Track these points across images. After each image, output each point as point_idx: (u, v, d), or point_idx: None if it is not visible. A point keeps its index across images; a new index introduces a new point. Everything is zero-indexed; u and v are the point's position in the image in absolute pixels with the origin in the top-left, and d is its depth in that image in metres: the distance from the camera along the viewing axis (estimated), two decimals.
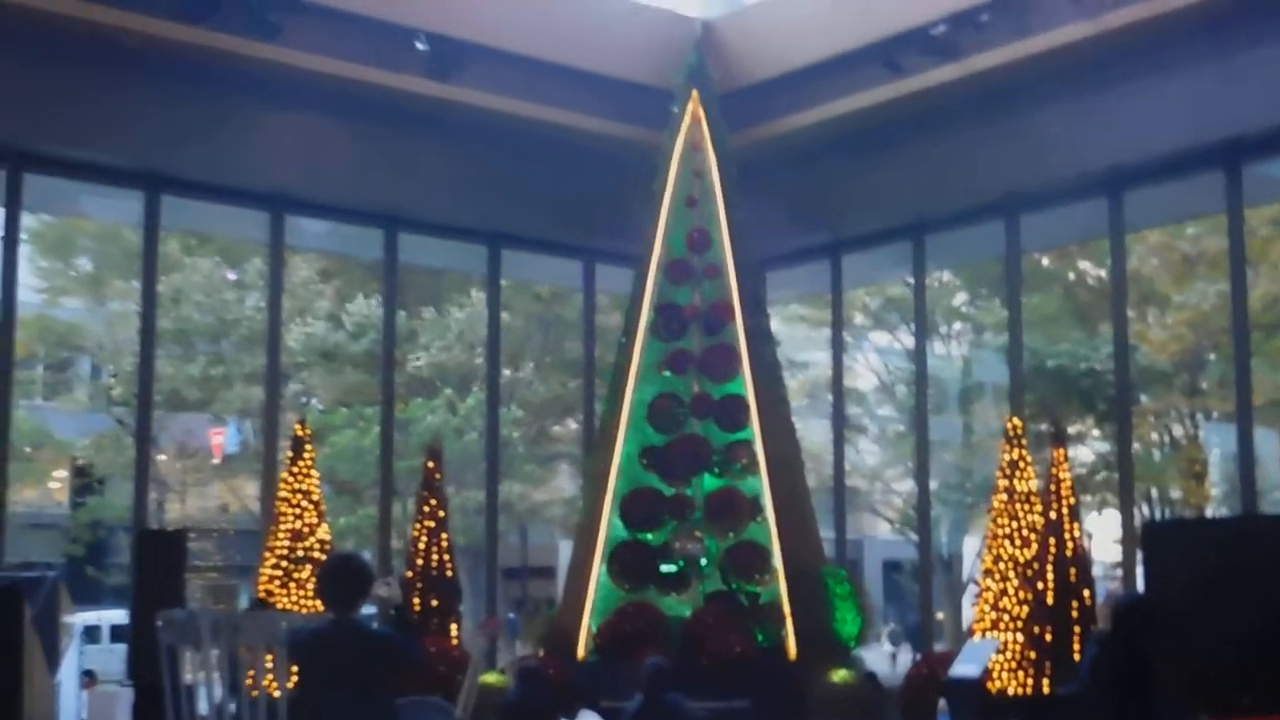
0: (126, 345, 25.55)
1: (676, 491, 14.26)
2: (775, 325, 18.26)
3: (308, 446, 14.55)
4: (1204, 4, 12.93)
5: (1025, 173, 14.97)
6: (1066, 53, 13.98)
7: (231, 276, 27.89)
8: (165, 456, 28.03)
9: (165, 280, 26.28)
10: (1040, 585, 12.83)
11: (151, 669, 10.07)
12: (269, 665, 9.90)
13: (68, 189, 15.36)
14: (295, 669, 6.60)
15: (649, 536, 14.20)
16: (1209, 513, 24.98)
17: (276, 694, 8.69)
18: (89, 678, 20.53)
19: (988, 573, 13.64)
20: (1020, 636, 13.00)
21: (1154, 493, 26.16)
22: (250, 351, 26.69)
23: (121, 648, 18.74)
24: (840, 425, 18.42)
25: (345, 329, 27.03)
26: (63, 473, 32.63)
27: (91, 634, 26.60)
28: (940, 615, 28.24)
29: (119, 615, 24.87)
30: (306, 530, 14.17)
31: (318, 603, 9.09)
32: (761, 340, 14.87)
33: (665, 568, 14.08)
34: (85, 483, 31.59)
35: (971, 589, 22.28)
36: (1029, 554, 13.22)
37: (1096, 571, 14.00)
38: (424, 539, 14.64)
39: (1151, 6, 13.23)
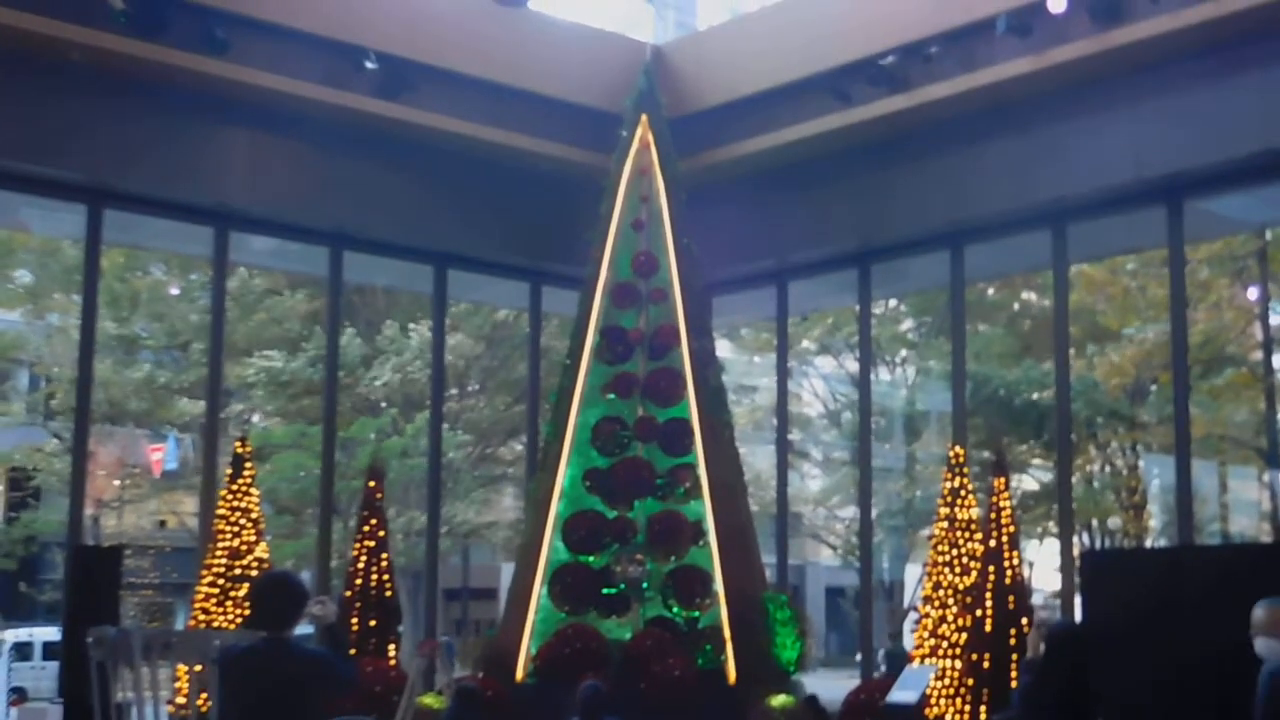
0: (66, 358, 25.18)
1: (619, 515, 14.23)
2: (721, 350, 18.27)
3: (248, 464, 14.46)
4: (1147, 41, 13.09)
5: (970, 203, 15.09)
6: (1013, 86, 14.12)
7: (175, 291, 27.55)
8: (104, 472, 27.65)
9: (121, 285, 26.06)
10: (979, 612, 12.92)
11: (83, 687, 9.93)
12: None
13: (9, 201, 15.15)
14: (226, 688, 6.51)
15: (590, 559, 14.15)
16: (1148, 543, 25.23)
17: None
18: (18, 695, 20.17)
19: (928, 599, 13.71)
20: (958, 663, 13.07)
21: (1094, 523, 26.39)
22: (198, 365, 26.29)
23: (54, 665, 18.48)
24: (784, 451, 18.45)
25: (304, 351, 26.47)
26: None
27: (23, 651, 26.25)
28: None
29: (52, 632, 24.52)
30: (244, 549, 14.06)
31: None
32: (706, 365, 14.88)
33: (606, 591, 14.03)
34: (20, 496, 31.15)
35: (912, 616, 22.35)
36: (968, 581, 13.29)
37: (1036, 600, 14.10)
38: (364, 559, 14.57)
39: (1095, 43, 13.38)
